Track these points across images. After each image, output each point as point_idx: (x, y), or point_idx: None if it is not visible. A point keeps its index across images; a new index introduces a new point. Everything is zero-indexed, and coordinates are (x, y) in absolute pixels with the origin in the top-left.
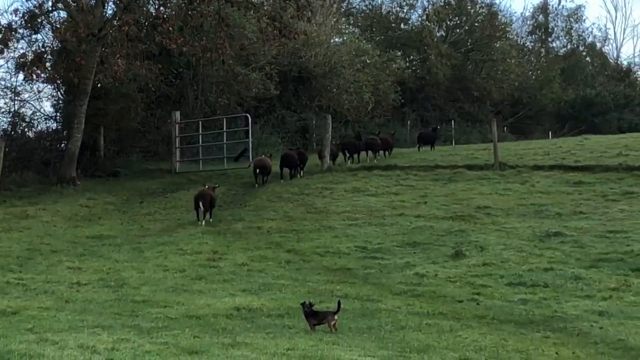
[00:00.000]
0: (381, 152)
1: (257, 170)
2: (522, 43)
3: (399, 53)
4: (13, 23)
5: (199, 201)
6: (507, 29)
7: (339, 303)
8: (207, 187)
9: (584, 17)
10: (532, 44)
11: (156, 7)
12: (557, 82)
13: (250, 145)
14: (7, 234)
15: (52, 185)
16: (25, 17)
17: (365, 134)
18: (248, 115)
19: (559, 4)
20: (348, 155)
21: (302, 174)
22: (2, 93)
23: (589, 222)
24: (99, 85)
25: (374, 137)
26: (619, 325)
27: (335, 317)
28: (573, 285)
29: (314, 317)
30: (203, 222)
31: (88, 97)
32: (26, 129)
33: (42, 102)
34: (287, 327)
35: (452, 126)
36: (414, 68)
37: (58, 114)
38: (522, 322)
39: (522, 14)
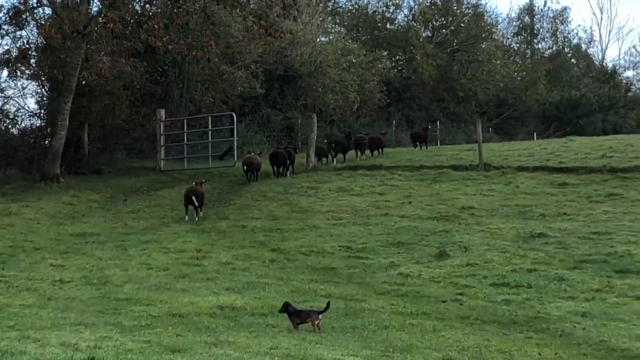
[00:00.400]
0: (369, 151)
1: (245, 168)
2: (507, 44)
3: (385, 53)
4: None
5: (191, 196)
6: (492, 30)
7: (328, 304)
8: (194, 183)
9: (569, 19)
10: (518, 45)
11: (142, 4)
12: (543, 83)
13: (235, 144)
14: None
15: (36, 183)
16: (10, 14)
17: (353, 134)
18: (233, 113)
19: (544, 5)
20: (335, 154)
21: (287, 173)
22: None
23: (572, 224)
24: (83, 82)
25: (361, 135)
26: (601, 327)
27: (320, 316)
28: (556, 286)
29: (298, 316)
30: (196, 217)
31: (72, 94)
32: (10, 126)
33: (26, 98)
34: (271, 326)
35: (438, 126)
36: (399, 68)
37: (42, 111)
38: (505, 322)
39: (507, 15)
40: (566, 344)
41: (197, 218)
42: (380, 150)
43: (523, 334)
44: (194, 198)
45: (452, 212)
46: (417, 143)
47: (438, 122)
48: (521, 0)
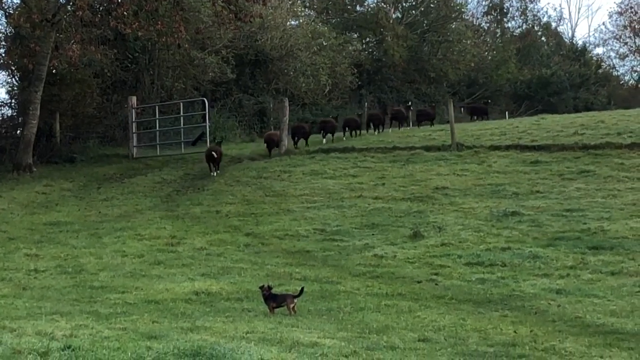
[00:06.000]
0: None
1: (266, 145)
2: (477, 24)
3: (355, 35)
4: None
5: (211, 152)
6: (462, 9)
7: (302, 289)
8: (215, 143)
9: None
10: (488, 24)
11: None
12: (513, 62)
13: (208, 130)
14: None
15: (8, 173)
16: None
17: (323, 116)
18: (205, 99)
19: None
20: (373, 126)
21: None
22: None
23: (545, 201)
24: (53, 71)
25: (398, 109)
26: (576, 303)
27: (295, 300)
28: (530, 264)
29: (273, 299)
30: (215, 173)
31: (43, 83)
32: None
33: None
34: (247, 311)
35: (410, 107)
36: (370, 50)
37: (13, 101)
38: (480, 301)
39: None
40: (541, 321)
41: (214, 174)
42: (431, 123)
43: (498, 312)
44: (213, 153)
45: (426, 192)
46: (476, 117)
47: (410, 103)
48: None
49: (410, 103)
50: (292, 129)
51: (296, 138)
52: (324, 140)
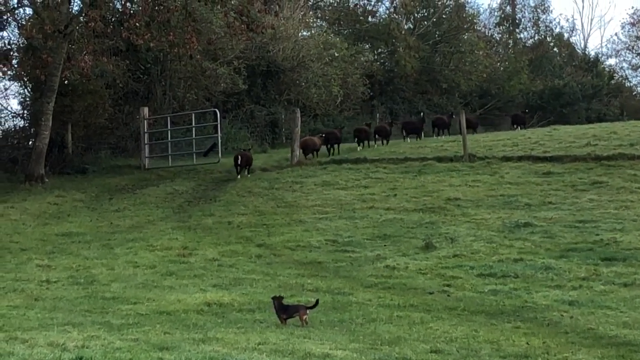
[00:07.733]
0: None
1: (302, 150)
2: (489, 34)
3: (367, 46)
4: None
5: (238, 156)
6: (474, 20)
7: (317, 301)
8: (242, 150)
9: (551, 8)
10: (500, 35)
11: (122, 2)
12: (525, 73)
13: (219, 140)
14: None
15: (20, 183)
16: None
17: (334, 127)
18: (217, 110)
19: None
20: (405, 134)
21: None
22: None
23: (558, 212)
24: (66, 82)
25: (441, 117)
26: (589, 315)
27: (308, 311)
28: (543, 275)
29: (285, 311)
30: (243, 174)
31: (55, 94)
32: None
33: (8, 99)
34: (258, 322)
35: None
36: (382, 61)
37: (25, 112)
38: (492, 312)
39: (489, 5)
40: (554, 333)
41: (246, 173)
42: (473, 131)
43: (511, 323)
44: (239, 157)
45: (438, 203)
46: (516, 125)
47: (422, 113)
48: None
49: (451, 113)
50: (326, 135)
51: (328, 145)
52: (359, 148)
